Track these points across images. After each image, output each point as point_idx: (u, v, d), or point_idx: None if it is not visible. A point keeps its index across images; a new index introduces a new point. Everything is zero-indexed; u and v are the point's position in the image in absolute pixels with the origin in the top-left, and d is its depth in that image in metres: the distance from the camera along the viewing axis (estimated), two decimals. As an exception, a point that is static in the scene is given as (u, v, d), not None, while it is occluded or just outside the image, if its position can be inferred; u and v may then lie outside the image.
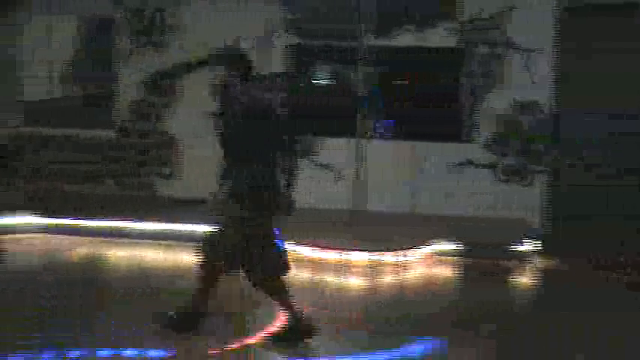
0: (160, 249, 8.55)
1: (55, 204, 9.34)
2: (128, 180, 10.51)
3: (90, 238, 8.64)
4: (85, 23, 10.54)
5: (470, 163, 9.86)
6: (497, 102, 9.64)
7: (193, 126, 10.20)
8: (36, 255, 8.13)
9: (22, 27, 9.79)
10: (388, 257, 8.10)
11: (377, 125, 10.10)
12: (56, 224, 8.71)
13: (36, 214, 8.71)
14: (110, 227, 8.78)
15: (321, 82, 10.61)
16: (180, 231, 8.71)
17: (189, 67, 10.20)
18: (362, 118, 8.91)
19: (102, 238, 8.65)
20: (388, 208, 9.59)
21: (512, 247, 8.46)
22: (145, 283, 7.27)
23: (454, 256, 8.44)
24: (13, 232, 8.49)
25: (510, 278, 8.08)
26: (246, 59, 5.65)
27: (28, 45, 10.30)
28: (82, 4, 9.98)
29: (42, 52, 10.15)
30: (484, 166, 9.77)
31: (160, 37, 10.29)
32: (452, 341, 5.83)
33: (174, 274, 7.66)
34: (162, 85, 10.33)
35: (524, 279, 8.17)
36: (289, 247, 8.21)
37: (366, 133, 9.41)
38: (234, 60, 5.59)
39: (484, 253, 8.34)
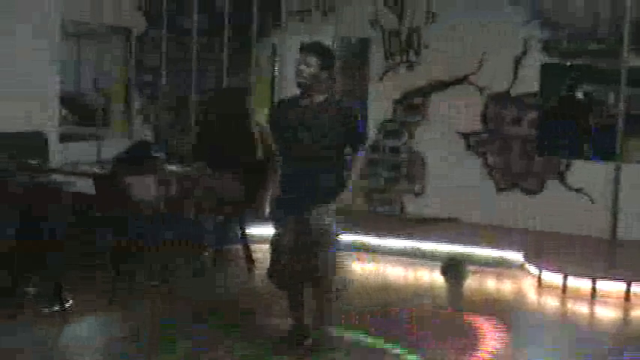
0: (403, 265, 8.61)
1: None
2: (377, 196, 10.69)
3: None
4: (342, 43, 10.88)
5: None
6: None
7: (443, 145, 10.21)
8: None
9: (280, 46, 10.31)
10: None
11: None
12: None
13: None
14: (356, 242, 8.97)
15: (579, 102, 10.20)
16: (425, 249, 8.74)
17: (441, 86, 10.21)
18: (622, 140, 8.41)
19: (348, 252, 8.84)
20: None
21: None
22: (382, 298, 7.37)
23: None
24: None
25: None
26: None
27: (285, 63, 10.82)
28: (339, 26, 10.32)
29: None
30: None
31: (414, 57, 10.40)
32: None
33: (412, 290, 7.75)
34: (414, 104, 10.43)
35: None
36: (537, 272, 8.00)
37: (626, 156, 8.87)
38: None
39: None
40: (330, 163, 5.49)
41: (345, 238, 8.81)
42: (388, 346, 5.82)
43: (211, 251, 8.01)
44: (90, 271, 7.08)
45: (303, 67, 5.42)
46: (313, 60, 5.42)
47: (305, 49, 5.47)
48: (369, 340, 5.94)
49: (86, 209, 7.04)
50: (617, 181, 8.09)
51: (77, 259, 6.93)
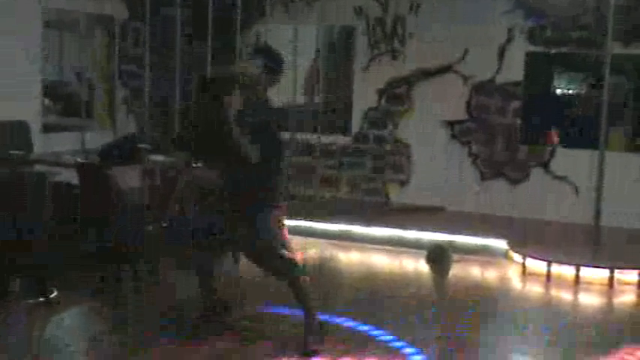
0: (388, 254, 8.62)
1: (293, 206, 9.66)
2: (363, 185, 10.69)
3: (323, 241, 8.89)
4: (326, 32, 10.87)
5: None
6: None
7: (427, 134, 10.22)
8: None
9: (264, 36, 10.24)
10: (631, 275, 7.60)
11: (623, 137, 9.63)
12: (294, 226, 9.00)
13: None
14: (342, 231, 8.99)
15: (563, 91, 10.24)
16: (410, 238, 8.76)
17: (425, 75, 10.21)
18: (605, 129, 8.44)
19: (334, 241, 8.86)
20: (628, 224, 9.03)
21: None
22: (368, 287, 7.41)
23: None
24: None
25: None
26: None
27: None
28: (323, 14, 10.29)
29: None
30: None
31: (399, 46, 10.38)
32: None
33: (397, 278, 7.79)
34: (398, 93, 10.42)
35: None
36: (521, 259, 8.03)
37: (610, 144, 8.91)
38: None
39: None
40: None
41: (331, 227, 8.96)
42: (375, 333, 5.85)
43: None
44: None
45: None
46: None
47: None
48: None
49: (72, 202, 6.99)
50: (600, 169, 8.13)
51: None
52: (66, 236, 6.83)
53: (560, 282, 7.64)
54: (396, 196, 10.50)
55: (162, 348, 5.43)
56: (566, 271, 7.69)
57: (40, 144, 8.76)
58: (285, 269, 5.45)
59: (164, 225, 7.29)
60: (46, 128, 9.36)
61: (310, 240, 8.72)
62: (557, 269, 7.73)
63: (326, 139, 10.46)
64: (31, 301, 6.24)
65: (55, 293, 6.36)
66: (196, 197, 7.81)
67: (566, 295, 7.51)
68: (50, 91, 9.87)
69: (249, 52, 5.71)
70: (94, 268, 6.85)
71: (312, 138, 10.33)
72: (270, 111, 5.54)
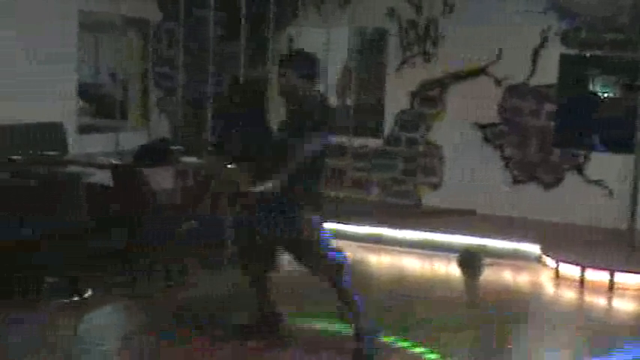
0: (420, 257, 8.59)
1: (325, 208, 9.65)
2: (394, 188, 10.66)
3: (352, 243, 8.86)
4: (358, 34, 10.87)
5: None
6: None
7: (460, 136, 10.17)
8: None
9: (296, 38, 10.24)
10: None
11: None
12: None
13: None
14: (373, 233, 8.97)
15: (598, 93, 10.13)
16: (441, 241, 8.72)
17: (458, 77, 10.16)
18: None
19: (364, 244, 8.83)
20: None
21: None
22: (398, 291, 7.38)
23: None
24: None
25: None
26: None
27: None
28: (356, 16, 10.28)
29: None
30: None
31: (432, 48, 10.34)
32: None
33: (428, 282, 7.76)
34: (430, 96, 10.38)
35: None
36: (554, 264, 7.96)
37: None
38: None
39: None
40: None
41: (362, 229, 8.94)
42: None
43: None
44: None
45: None
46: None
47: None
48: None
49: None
50: (636, 172, 8.05)
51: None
52: (99, 236, 6.90)
53: (594, 287, 7.56)
54: (428, 198, 10.45)
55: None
56: (600, 276, 7.61)
57: (75, 145, 8.85)
58: (331, 271, 5.41)
59: (195, 225, 7.33)
60: (81, 129, 9.45)
61: (340, 243, 8.67)
62: (590, 274, 7.65)
63: (357, 141, 10.45)
64: (65, 300, 6.31)
65: (90, 292, 6.43)
66: (230, 198, 7.86)
67: (600, 301, 7.44)
68: (85, 92, 9.98)
69: (281, 59, 5.63)
70: (127, 267, 6.91)
71: (344, 140, 10.31)
72: (324, 110, 5.48)
